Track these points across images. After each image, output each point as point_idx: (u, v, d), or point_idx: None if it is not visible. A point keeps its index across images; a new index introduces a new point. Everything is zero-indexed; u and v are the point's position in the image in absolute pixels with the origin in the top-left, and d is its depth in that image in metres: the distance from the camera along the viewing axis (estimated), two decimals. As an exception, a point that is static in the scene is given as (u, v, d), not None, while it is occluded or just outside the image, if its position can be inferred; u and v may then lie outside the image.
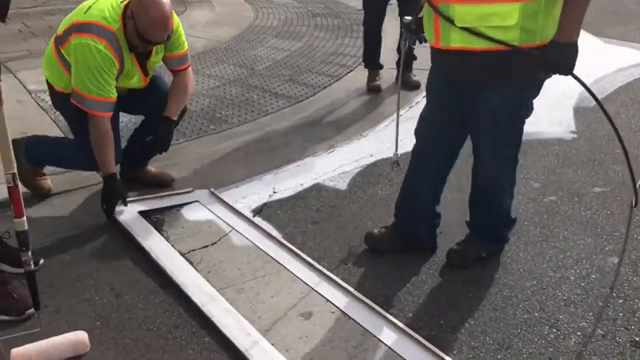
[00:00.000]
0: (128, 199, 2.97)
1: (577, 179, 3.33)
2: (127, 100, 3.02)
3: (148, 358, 2.10)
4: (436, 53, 2.33)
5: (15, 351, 2.02)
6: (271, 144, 3.86)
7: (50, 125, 3.89)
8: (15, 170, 1.93)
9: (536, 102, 4.48)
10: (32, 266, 2.05)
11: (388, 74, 4.81)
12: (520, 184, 3.28)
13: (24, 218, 1.98)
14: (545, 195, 3.19)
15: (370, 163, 3.58)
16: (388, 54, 4.96)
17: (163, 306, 2.35)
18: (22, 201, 1.96)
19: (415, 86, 4.59)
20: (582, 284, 2.47)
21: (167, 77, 3.25)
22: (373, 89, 4.72)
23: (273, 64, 5.35)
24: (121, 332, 2.22)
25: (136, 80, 2.96)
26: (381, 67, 4.77)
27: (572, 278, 2.51)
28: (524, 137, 3.88)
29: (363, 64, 4.86)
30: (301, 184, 3.34)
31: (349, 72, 5.15)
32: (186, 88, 3.11)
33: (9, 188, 1.94)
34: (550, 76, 2.23)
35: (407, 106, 4.31)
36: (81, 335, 2.11)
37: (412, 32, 2.48)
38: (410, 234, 2.65)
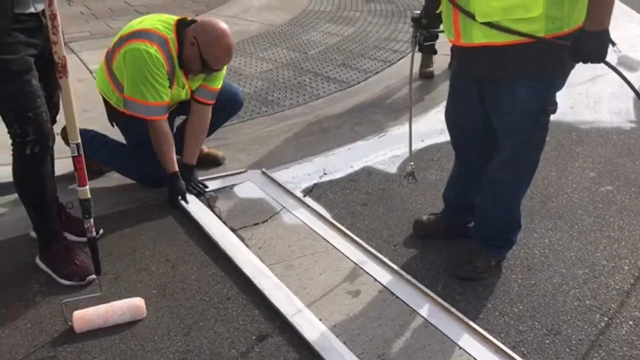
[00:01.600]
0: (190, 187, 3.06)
1: (635, 169, 3.24)
2: (181, 106, 3.11)
3: (201, 326, 2.18)
4: (457, 50, 2.26)
5: (77, 313, 2.13)
6: (322, 127, 3.90)
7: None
8: (80, 141, 2.02)
9: (596, 91, 4.38)
10: (94, 233, 2.15)
11: (441, 60, 4.77)
12: (575, 172, 3.25)
13: (87, 187, 2.08)
14: (602, 184, 3.12)
15: (421, 148, 3.57)
16: (443, 40, 4.90)
17: (215, 278, 2.43)
18: (85, 170, 2.05)
19: (428, 76, 4.60)
20: (637, 274, 2.42)
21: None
22: (426, 75, 4.69)
23: (326, 49, 5.37)
24: (176, 301, 2.30)
25: (185, 92, 2.98)
26: (435, 52, 4.71)
27: (626, 268, 2.46)
28: (581, 126, 3.82)
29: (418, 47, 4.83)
30: (351, 167, 3.37)
31: (401, 58, 5.12)
32: (205, 128, 3.11)
33: (73, 157, 2.03)
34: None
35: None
36: (139, 302, 2.21)
37: (422, 28, 2.40)
38: (458, 223, 2.65)
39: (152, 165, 2.95)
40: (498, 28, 1.99)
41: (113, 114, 3.04)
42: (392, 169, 3.34)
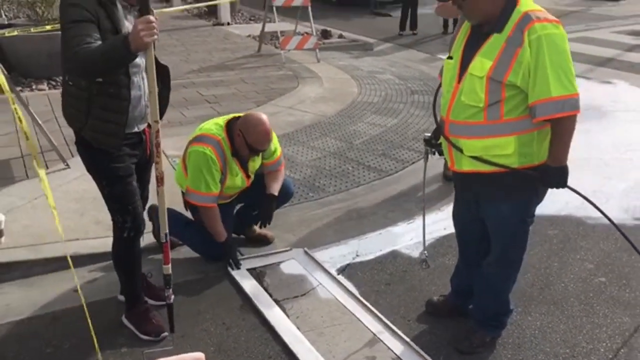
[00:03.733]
0: (241, 257, 3.73)
1: (630, 264, 3.69)
2: (241, 194, 3.85)
3: (247, 378, 2.77)
4: (453, 172, 2.83)
5: (154, 362, 2.76)
6: (359, 213, 4.52)
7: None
8: (168, 230, 2.71)
9: (610, 188, 4.82)
10: (172, 300, 2.81)
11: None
12: (575, 264, 3.72)
13: (170, 265, 2.75)
14: (596, 276, 3.58)
15: (443, 235, 4.13)
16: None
17: (261, 340, 3.03)
18: (170, 252, 2.74)
19: (450, 178, 5.17)
20: (610, 356, 2.86)
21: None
22: (449, 177, 5.25)
23: (369, 139, 6.06)
24: (229, 357, 2.91)
25: (240, 179, 3.70)
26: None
27: (602, 350, 2.91)
28: (589, 221, 4.29)
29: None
30: (380, 250, 3.96)
31: (436, 149, 5.73)
32: (281, 174, 3.88)
33: (162, 243, 2.72)
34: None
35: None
36: (200, 356, 2.80)
37: (432, 146, 2.96)
38: (462, 305, 3.17)
39: (214, 242, 3.63)
40: (481, 160, 2.57)
41: (186, 201, 3.77)
42: (415, 253, 3.91)
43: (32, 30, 6.95)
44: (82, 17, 2.47)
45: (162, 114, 3.01)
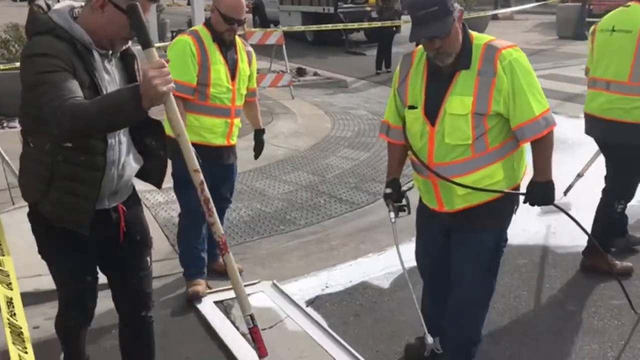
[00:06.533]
0: (209, 291, 3.67)
1: (599, 292, 3.68)
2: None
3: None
4: (437, 213, 2.70)
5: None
6: (330, 245, 4.48)
7: (151, 221, 4.73)
8: (252, 311, 2.21)
9: (582, 215, 4.83)
10: None
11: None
12: (545, 293, 3.71)
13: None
14: (566, 305, 3.56)
15: (414, 265, 4.08)
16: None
17: (224, 374, 2.95)
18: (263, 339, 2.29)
19: None
20: (579, 384, 2.83)
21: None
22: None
23: (342, 172, 6.06)
24: (190, 392, 2.82)
25: (223, 72, 3.53)
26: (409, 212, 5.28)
27: (571, 378, 2.88)
28: (558, 250, 4.31)
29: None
30: (350, 281, 3.91)
31: (409, 181, 5.74)
32: (257, 109, 4.03)
33: (249, 329, 2.23)
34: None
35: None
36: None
37: (394, 201, 2.82)
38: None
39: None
40: (476, 189, 2.53)
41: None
42: (385, 284, 3.87)
43: (1, 67, 6.92)
44: (57, 67, 2.00)
45: (160, 181, 2.44)
